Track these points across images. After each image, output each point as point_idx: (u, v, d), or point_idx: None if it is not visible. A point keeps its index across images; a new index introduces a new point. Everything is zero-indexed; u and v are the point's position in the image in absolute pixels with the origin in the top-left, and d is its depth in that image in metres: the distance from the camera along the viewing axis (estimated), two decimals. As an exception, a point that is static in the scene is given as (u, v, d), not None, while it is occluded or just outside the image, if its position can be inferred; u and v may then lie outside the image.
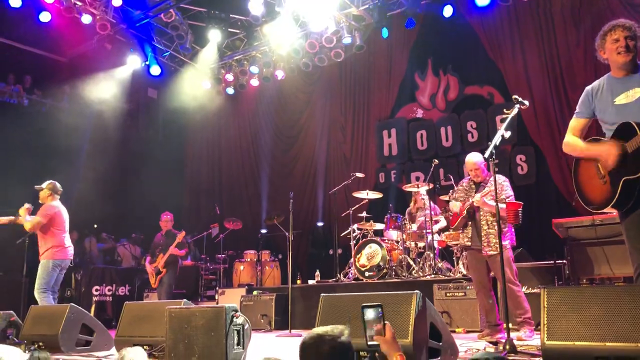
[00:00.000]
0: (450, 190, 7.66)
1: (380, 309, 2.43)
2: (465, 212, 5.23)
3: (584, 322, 2.66)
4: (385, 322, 2.44)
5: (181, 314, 3.96)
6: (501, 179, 5.27)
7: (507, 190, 5.20)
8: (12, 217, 6.72)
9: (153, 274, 8.30)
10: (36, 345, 4.86)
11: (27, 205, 6.74)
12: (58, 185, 6.93)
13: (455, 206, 5.44)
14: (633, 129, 2.98)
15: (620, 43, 3.16)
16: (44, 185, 6.85)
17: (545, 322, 2.77)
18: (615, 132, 3.14)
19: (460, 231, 5.44)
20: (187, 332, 3.86)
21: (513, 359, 3.32)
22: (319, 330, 2.23)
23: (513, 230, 5.24)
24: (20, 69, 11.80)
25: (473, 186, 5.39)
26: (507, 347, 3.45)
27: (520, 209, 4.85)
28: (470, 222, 5.28)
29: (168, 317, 4.00)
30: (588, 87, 3.43)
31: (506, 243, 4.97)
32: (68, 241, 6.79)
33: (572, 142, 3.40)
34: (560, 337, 2.71)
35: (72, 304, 5.19)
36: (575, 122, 3.45)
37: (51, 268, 6.54)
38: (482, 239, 5.10)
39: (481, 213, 5.17)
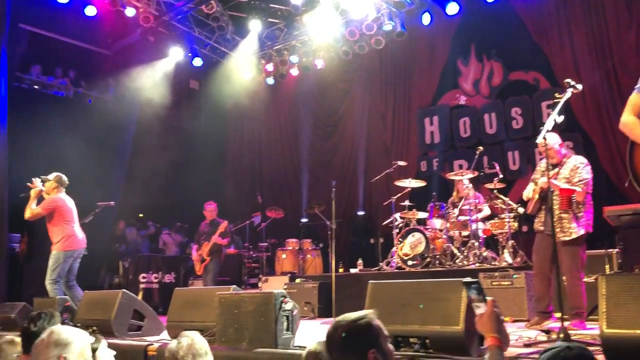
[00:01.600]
0: (495, 179, 7.57)
1: (477, 285, 2.28)
2: (537, 195, 5.04)
3: (645, 310, 2.59)
4: (487, 297, 2.23)
5: (231, 300, 4.03)
6: (577, 160, 5.01)
7: (581, 173, 4.88)
8: (36, 190, 6.80)
9: (198, 261, 8.47)
10: (90, 330, 5.01)
11: (39, 186, 6.82)
12: (64, 177, 7.03)
13: (527, 192, 5.24)
14: None
15: None
16: (51, 177, 6.93)
17: (605, 309, 2.70)
18: None
19: (535, 215, 5.17)
20: (237, 317, 3.93)
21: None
22: (340, 317, 2.11)
23: (591, 214, 4.95)
24: (67, 63, 12.12)
25: (550, 167, 5.16)
26: (561, 335, 3.39)
27: (574, 195, 4.68)
28: (543, 206, 5.07)
29: (218, 302, 4.08)
30: None
31: (579, 228, 4.75)
32: (79, 231, 6.91)
33: (632, 124, 3.25)
34: (621, 326, 2.63)
35: (124, 290, 5.33)
36: (636, 98, 3.28)
37: (63, 259, 6.66)
38: (556, 224, 4.76)
39: (553, 196, 4.80)
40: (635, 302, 2.63)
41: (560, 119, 3.85)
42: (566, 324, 4.52)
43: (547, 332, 4.04)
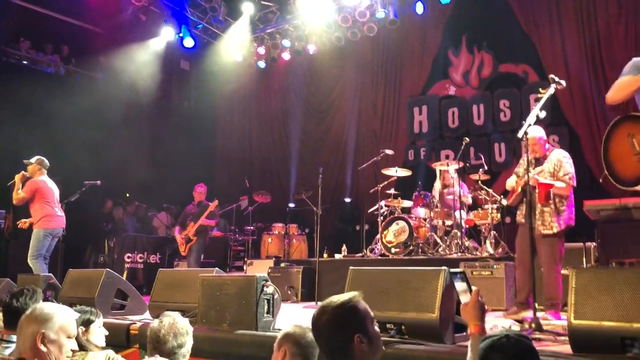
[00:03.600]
0: (480, 170, 7.67)
1: (462, 275, 2.37)
2: (519, 189, 5.11)
3: (612, 303, 2.68)
4: (473, 287, 2.34)
5: (213, 282, 4.10)
6: (560, 154, 5.07)
7: (565, 167, 4.93)
8: (20, 175, 7.15)
9: (183, 242, 8.53)
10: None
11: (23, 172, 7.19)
12: (46, 161, 7.33)
13: (510, 182, 5.32)
14: None
15: None
16: (33, 160, 7.22)
17: (573, 302, 2.79)
18: None
19: (516, 207, 5.29)
20: (219, 299, 4.00)
21: (538, 337, 3.35)
22: (326, 300, 2.07)
23: (573, 208, 5.02)
24: (58, 39, 12.01)
25: (533, 161, 5.22)
26: (533, 325, 3.49)
27: (552, 189, 4.77)
28: (524, 199, 5.12)
29: (201, 284, 4.15)
30: (636, 58, 3.37)
31: (560, 222, 4.82)
32: (59, 211, 7.21)
33: (619, 83, 3.33)
34: (588, 317, 2.73)
35: (107, 269, 5.38)
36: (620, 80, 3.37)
37: (42, 236, 6.99)
38: (537, 217, 4.88)
39: (537, 190, 4.89)
40: (602, 295, 2.72)
41: (543, 114, 3.92)
42: (542, 314, 4.66)
43: (521, 321, 4.15)
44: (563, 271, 4.86)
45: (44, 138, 10.23)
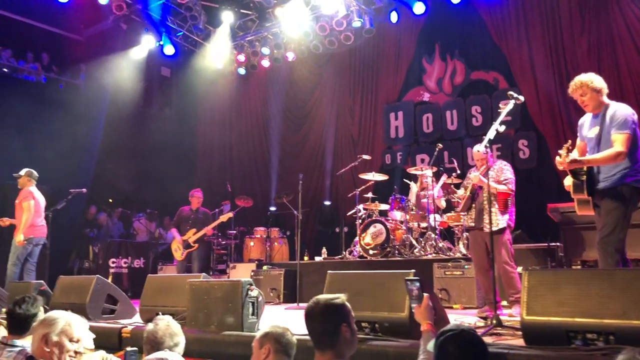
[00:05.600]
0: (453, 174, 8.04)
1: (418, 283, 2.79)
2: (468, 192, 5.49)
3: (558, 300, 3.03)
4: (424, 294, 2.77)
5: (201, 287, 4.38)
6: (502, 163, 5.54)
7: (506, 173, 5.41)
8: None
9: (181, 247, 8.42)
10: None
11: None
12: (35, 172, 7.72)
13: (461, 193, 5.73)
14: None
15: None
16: (22, 172, 7.62)
17: (525, 299, 3.13)
18: None
19: (465, 213, 5.67)
20: (206, 302, 4.28)
21: (498, 332, 3.70)
22: (318, 296, 2.55)
23: (514, 212, 5.44)
24: (39, 47, 12.13)
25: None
26: (494, 321, 3.84)
27: (508, 197, 5.16)
28: (474, 204, 5.53)
29: (189, 289, 4.42)
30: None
31: (503, 220, 5.22)
32: (42, 221, 7.58)
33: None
34: (538, 313, 3.07)
35: (98, 275, 5.60)
36: (578, 142, 4.26)
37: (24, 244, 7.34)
38: (484, 217, 5.28)
39: (484, 194, 5.30)
40: (550, 293, 3.07)
41: (502, 128, 4.26)
42: (509, 311, 5.03)
43: (485, 318, 4.50)
44: (520, 270, 5.20)
45: (26, 146, 10.37)
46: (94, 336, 3.77)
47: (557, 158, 4.00)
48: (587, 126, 4.16)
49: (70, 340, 2.92)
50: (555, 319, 3.00)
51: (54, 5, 10.59)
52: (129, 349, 3.37)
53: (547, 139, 9.37)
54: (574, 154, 3.99)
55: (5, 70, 11.61)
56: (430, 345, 2.43)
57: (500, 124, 4.24)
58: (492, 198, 5.10)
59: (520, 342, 3.21)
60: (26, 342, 3.24)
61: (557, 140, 9.22)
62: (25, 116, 10.41)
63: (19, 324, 3.36)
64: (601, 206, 3.97)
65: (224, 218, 8.68)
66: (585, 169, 3.97)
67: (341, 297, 2.50)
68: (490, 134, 4.19)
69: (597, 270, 3.49)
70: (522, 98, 4.45)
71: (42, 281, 6.04)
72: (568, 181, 4.13)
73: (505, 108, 4.36)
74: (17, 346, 3.24)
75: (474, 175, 5.32)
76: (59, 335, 2.87)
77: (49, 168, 10.26)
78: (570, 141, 3.98)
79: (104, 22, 11.75)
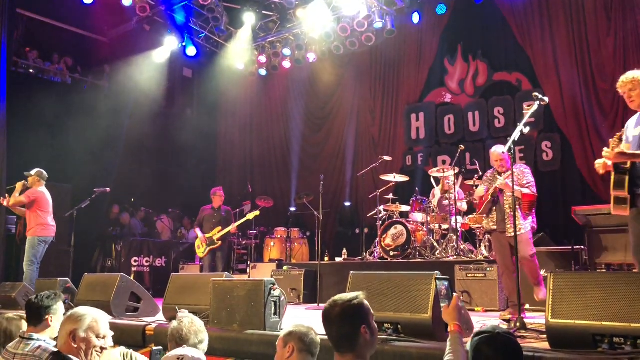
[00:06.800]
0: (475, 176, 7.98)
1: (446, 282, 2.76)
2: (490, 196, 5.45)
3: (584, 304, 2.99)
4: (454, 293, 2.71)
5: (224, 286, 4.42)
6: (522, 166, 5.50)
7: (527, 177, 5.37)
8: (20, 184, 7.75)
9: (203, 245, 8.52)
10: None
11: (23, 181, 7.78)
12: (45, 173, 7.85)
13: (480, 191, 5.68)
14: None
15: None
16: (33, 172, 7.76)
17: (551, 302, 3.11)
18: None
19: (486, 216, 5.64)
20: (229, 301, 4.31)
21: (522, 335, 3.67)
22: (335, 296, 2.41)
23: (534, 214, 5.39)
24: (64, 49, 12.32)
25: (497, 176, 5.60)
26: (518, 324, 3.80)
27: (534, 200, 5.10)
28: (495, 207, 5.49)
29: (212, 288, 4.46)
30: None
31: (527, 224, 5.18)
32: (52, 221, 7.71)
33: None
34: (563, 316, 3.04)
35: (122, 273, 5.68)
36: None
37: (36, 243, 7.51)
38: (506, 221, 5.25)
39: (505, 198, 5.31)
40: (576, 296, 3.04)
41: (527, 129, 4.22)
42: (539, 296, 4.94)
43: (508, 321, 4.46)
44: (543, 273, 5.15)
45: (51, 146, 10.56)
46: (113, 333, 3.83)
47: (605, 149, 3.89)
48: (632, 125, 4.05)
49: (97, 337, 2.96)
50: (581, 322, 2.98)
51: (79, 7, 10.75)
52: (154, 347, 3.41)
53: (571, 141, 9.24)
54: (623, 147, 3.86)
55: (31, 71, 11.81)
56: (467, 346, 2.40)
57: (525, 125, 4.19)
58: (516, 203, 5.03)
59: (545, 345, 3.19)
60: (42, 337, 3.30)
61: (581, 142, 9.12)
62: (50, 117, 10.58)
63: (32, 314, 3.47)
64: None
65: (250, 216, 8.77)
66: (628, 165, 3.82)
67: (359, 297, 2.38)
68: (515, 136, 4.15)
69: (624, 274, 3.46)
70: (546, 99, 4.40)
71: (67, 278, 6.14)
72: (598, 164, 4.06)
73: (530, 109, 4.32)
74: (34, 339, 3.29)
75: (500, 182, 5.27)
76: (86, 332, 2.92)
77: (73, 168, 10.49)
78: (622, 132, 3.90)
79: (128, 23, 11.89)
